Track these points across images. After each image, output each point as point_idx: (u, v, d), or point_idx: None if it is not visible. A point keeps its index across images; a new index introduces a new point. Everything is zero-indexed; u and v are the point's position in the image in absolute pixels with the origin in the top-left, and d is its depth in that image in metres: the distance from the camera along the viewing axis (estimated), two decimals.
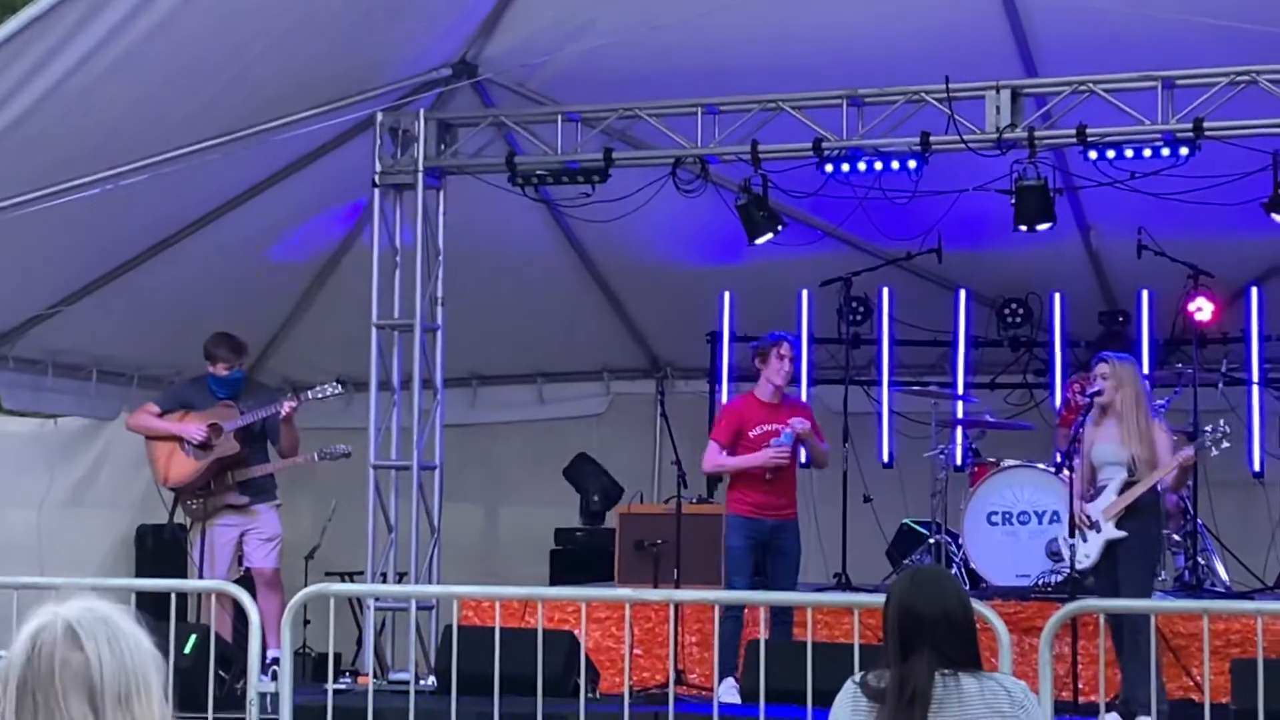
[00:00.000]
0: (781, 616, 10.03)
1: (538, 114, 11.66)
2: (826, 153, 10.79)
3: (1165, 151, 10.35)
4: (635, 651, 10.29)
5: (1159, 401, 10.88)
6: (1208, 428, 10.06)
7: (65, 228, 10.83)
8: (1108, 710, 9.28)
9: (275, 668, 9.06)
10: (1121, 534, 9.57)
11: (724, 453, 10.74)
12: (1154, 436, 9.59)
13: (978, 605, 5.54)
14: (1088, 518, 9.67)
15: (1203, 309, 12.30)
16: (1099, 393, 9.74)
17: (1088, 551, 9.70)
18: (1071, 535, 9.80)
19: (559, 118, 11.38)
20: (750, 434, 10.65)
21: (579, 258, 13.95)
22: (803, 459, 12.85)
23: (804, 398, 13.27)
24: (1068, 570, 9.99)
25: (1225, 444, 9.98)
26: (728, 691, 9.44)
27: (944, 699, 5.03)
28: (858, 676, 5.23)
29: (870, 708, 5.10)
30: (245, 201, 12.14)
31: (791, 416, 10.68)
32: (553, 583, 13.42)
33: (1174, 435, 10.08)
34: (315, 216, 12.85)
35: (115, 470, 13.69)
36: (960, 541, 11.99)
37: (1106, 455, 9.68)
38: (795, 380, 13.39)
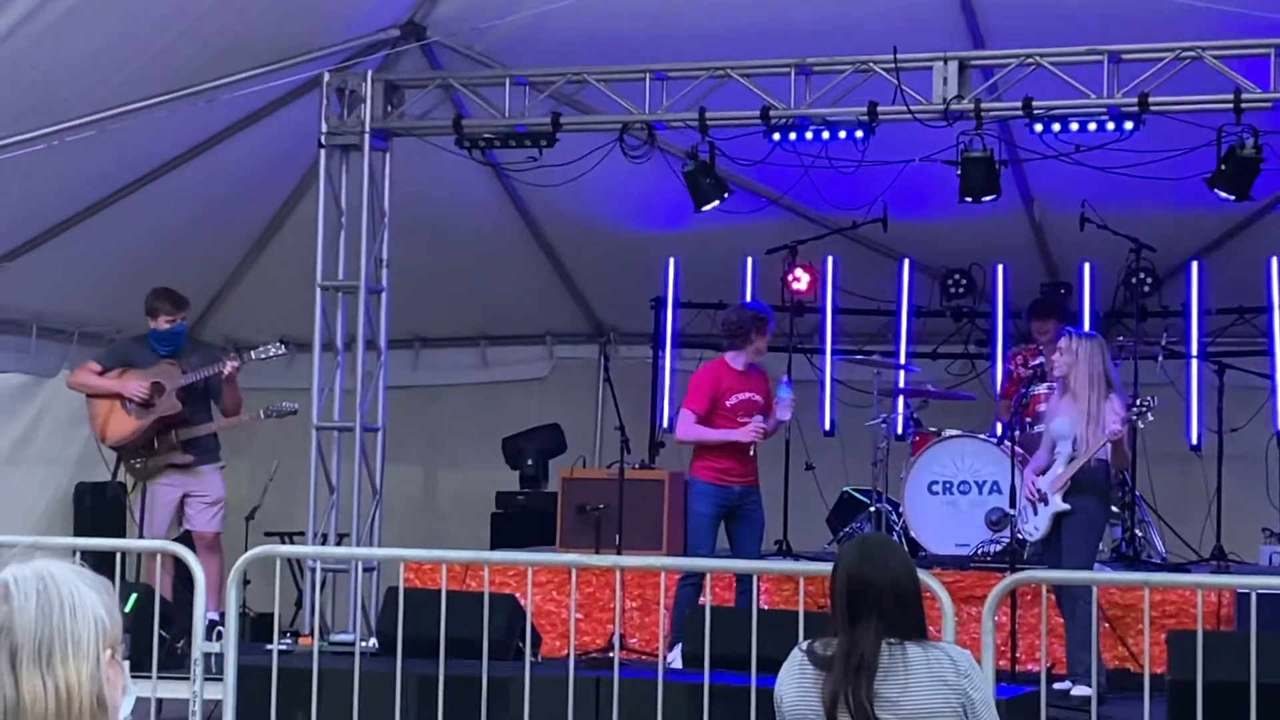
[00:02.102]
0: (745, 584, 10.03)
1: (485, 77, 11.64)
2: (774, 121, 10.81)
3: (1110, 126, 10.43)
4: (576, 616, 10.32)
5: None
6: (1137, 400, 10.13)
7: (8, 183, 10.75)
8: (1060, 680, 9.38)
9: (217, 629, 9.04)
10: (1066, 507, 9.65)
11: (698, 421, 10.63)
12: (1105, 418, 9.60)
13: (922, 574, 5.59)
14: (1038, 491, 9.74)
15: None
16: (1041, 364, 9.81)
17: (1038, 524, 9.77)
18: (1013, 505, 9.87)
19: (507, 81, 11.36)
20: (727, 403, 10.55)
21: (524, 222, 13.92)
22: None
23: None
24: (1007, 540, 10.06)
25: (1150, 417, 9.98)
26: (672, 657, 9.48)
27: (890, 667, 5.09)
28: (804, 644, 5.28)
29: (817, 675, 5.15)
30: (190, 159, 12.05)
31: (759, 384, 10.67)
32: (494, 546, 13.43)
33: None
34: None
35: (54, 428, 13.58)
36: (900, 510, 12.05)
37: (1061, 430, 9.75)
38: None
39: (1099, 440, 9.60)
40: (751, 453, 10.57)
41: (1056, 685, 9.25)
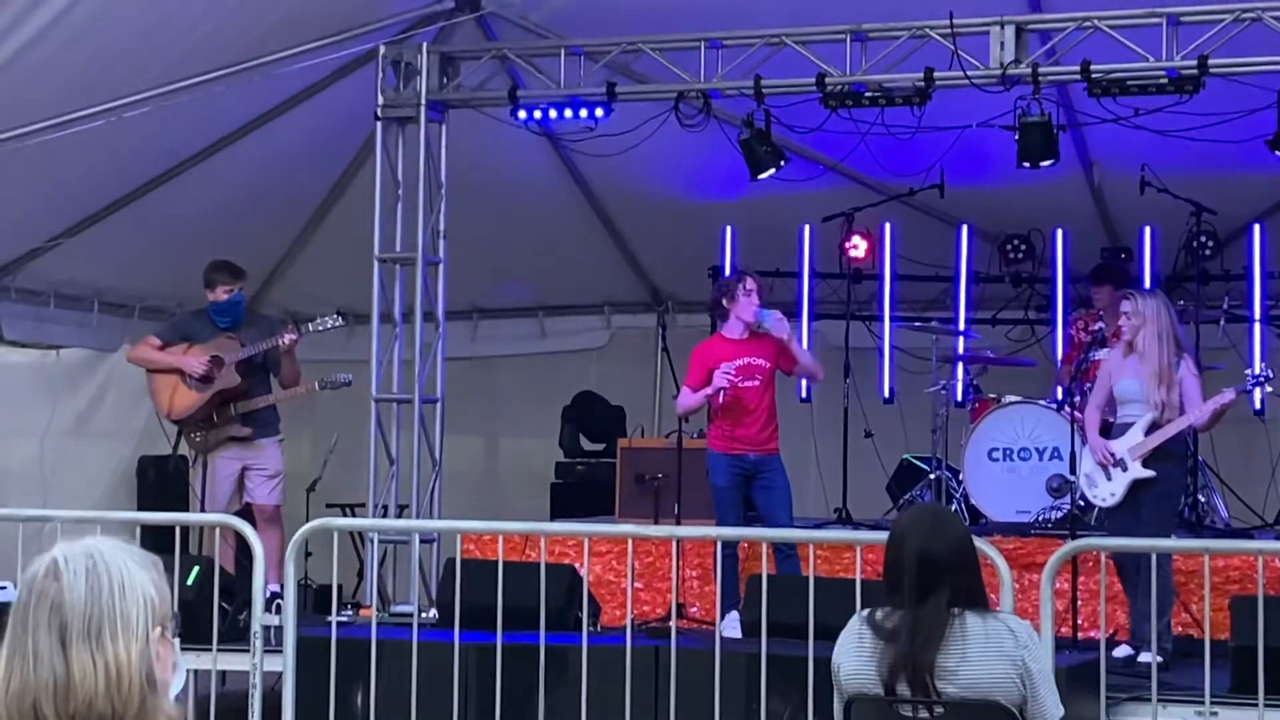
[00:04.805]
0: (786, 551, 10.02)
1: (540, 48, 11.63)
2: (830, 88, 10.77)
3: (1170, 88, 10.34)
4: (635, 585, 10.33)
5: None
6: (1248, 370, 9.99)
7: (68, 159, 10.81)
8: (1119, 645, 9.31)
9: (277, 602, 9.09)
10: (1150, 474, 9.42)
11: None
12: (1178, 379, 9.39)
13: (979, 543, 5.57)
14: (1112, 455, 9.55)
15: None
16: (1101, 330, 9.70)
17: (1113, 490, 9.51)
18: (1073, 471, 9.77)
19: (562, 51, 11.34)
20: (721, 371, 10.44)
21: (581, 191, 13.93)
22: (802, 393, 12.91)
23: (804, 333, 13.33)
24: (1068, 507, 10.00)
25: (1269, 388, 9.83)
26: (730, 626, 9.48)
27: (949, 637, 5.08)
28: (864, 612, 5.26)
29: (875, 644, 5.14)
30: (248, 133, 12.11)
31: (763, 348, 10.46)
32: (553, 516, 13.47)
33: (1202, 372, 9.90)
34: None
35: (117, 401, 13.71)
36: (961, 477, 12.01)
37: (1129, 392, 9.51)
38: (796, 316, 13.45)
39: (1200, 410, 9.36)
40: (722, 400, 10.31)
41: (1117, 652, 9.21)
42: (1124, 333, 9.55)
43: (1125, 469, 9.47)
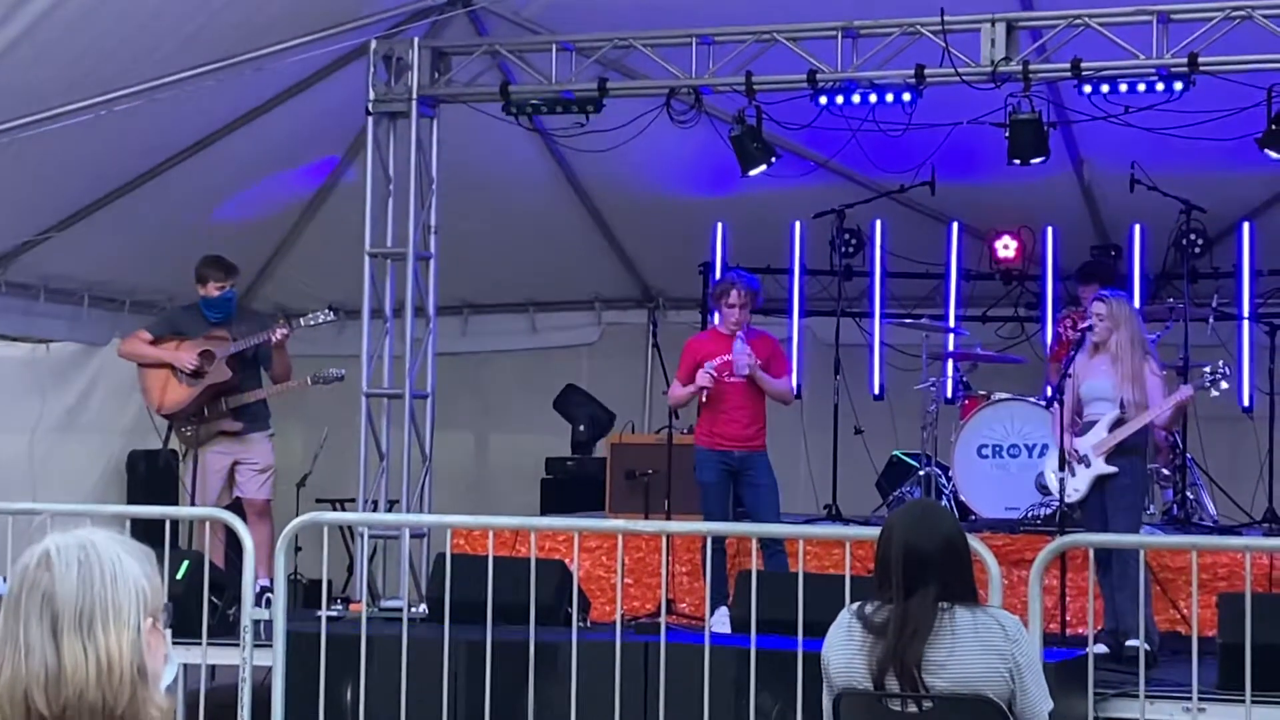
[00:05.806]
0: (774, 547, 10.04)
1: (532, 43, 11.63)
2: (821, 84, 10.78)
3: (1160, 86, 10.37)
4: (625, 581, 10.33)
5: (1151, 336, 10.81)
6: (1206, 367, 10.06)
7: (59, 153, 10.80)
8: (1095, 641, 9.33)
9: (267, 596, 9.09)
10: (1112, 469, 9.58)
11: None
12: (1146, 379, 9.57)
13: (969, 539, 5.57)
14: (1076, 452, 9.68)
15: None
16: (1090, 328, 9.75)
17: (1077, 486, 9.69)
18: (1061, 468, 9.81)
19: (553, 47, 11.35)
20: (708, 365, 10.47)
21: (572, 187, 13.93)
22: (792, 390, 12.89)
23: (794, 330, 13.35)
24: (1057, 503, 10.04)
25: (1224, 384, 9.98)
26: (719, 621, 9.49)
27: (938, 630, 5.09)
28: (854, 607, 5.28)
29: (865, 638, 5.15)
30: (239, 128, 12.10)
31: (756, 347, 10.48)
32: (543, 511, 13.47)
33: (1165, 370, 10.05)
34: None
35: (107, 395, 13.70)
36: (950, 474, 12.03)
37: (1096, 391, 9.67)
38: (787, 313, 13.47)
39: (1161, 407, 9.52)
40: (704, 399, 10.38)
41: (1102, 646, 9.21)
42: (1095, 332, 9.66)
43: (1088, 465, 9.61)
